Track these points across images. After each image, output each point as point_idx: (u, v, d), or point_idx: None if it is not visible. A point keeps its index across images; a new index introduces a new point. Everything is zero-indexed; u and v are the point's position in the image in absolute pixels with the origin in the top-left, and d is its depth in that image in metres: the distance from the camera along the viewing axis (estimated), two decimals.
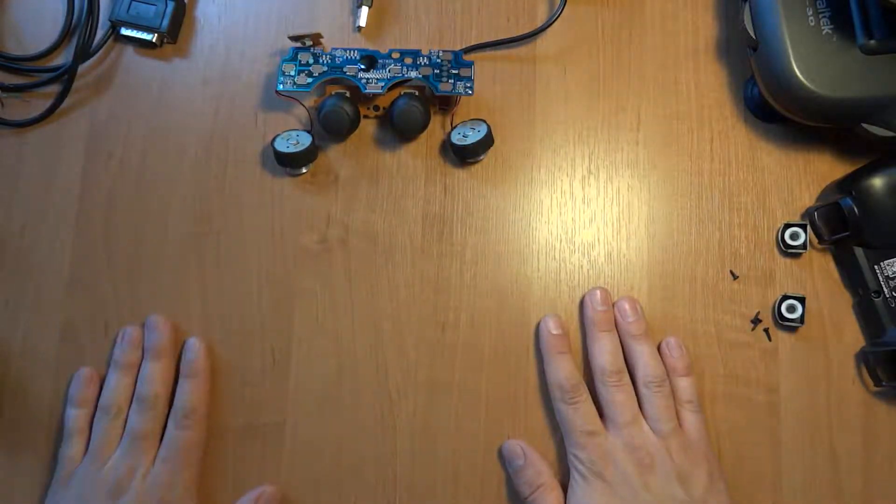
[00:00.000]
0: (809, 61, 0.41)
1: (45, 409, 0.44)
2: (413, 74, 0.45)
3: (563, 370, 0.43)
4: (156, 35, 0.47)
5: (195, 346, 0.44)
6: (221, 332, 0.45)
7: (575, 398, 0.42)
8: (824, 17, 0.41)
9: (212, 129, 0.47)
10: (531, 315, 0.45)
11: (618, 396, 0.41)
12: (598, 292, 0.44)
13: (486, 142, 0.45)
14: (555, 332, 0.43)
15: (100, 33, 0.48)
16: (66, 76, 0.47)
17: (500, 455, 0.43)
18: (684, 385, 0.42)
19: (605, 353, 0.42)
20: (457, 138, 0.45)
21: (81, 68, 0.47)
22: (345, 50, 0.46)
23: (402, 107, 0.44)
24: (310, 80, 0.45)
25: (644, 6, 0.48)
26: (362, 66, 0.45)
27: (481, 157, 0.46)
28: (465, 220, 0.46)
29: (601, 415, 0.42)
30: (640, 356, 0.42)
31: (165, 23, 0.47)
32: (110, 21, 0.48)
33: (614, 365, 0.42)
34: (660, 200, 0.46)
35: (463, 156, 0.46)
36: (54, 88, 0.47)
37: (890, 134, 0.41)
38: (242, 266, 0.46)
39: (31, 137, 0.47)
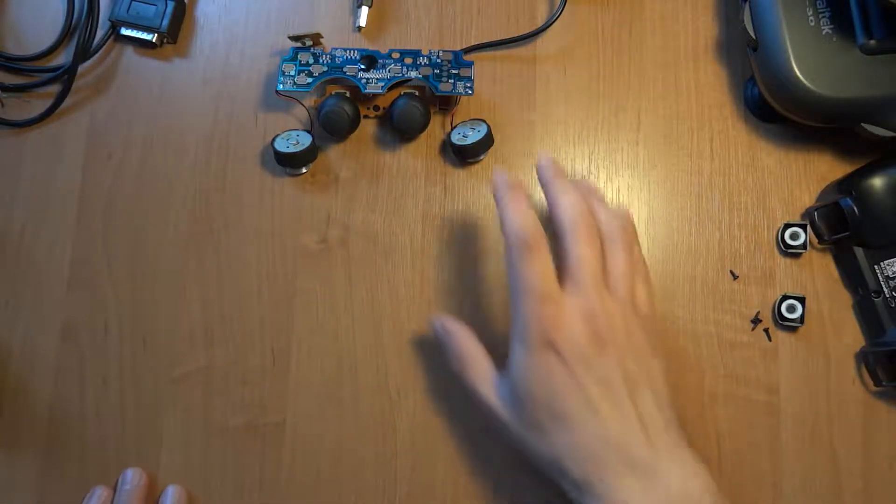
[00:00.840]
0: (809, 61, 0.41)
1: (45, 409, 0.44)
2: (413, 74, 0.45)
3: (522, 217, 0.36)
4: (156, 35, 0.47)
5: (176, 494, 0.42)
6: (221, 332, 0.45)
7: (534, 247, 0.36)
8: (824, 17, 0.41)
9: (212, 129, 0.47)
10: None
11: (585, 250, 0.36)
12: (548, 157, 0.39)
13: (486, 142, 0.45)
14: (508, 179, 0.38)
15: (100, 33, 0.48)
16: (66, 76, 0.47)
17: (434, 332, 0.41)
18: (637, 255, 0.39)
19: (573, 204, 0.37)
20: (457, 138, 0.45)
21: (81, 68, 0.47)
22: (345, 50, 0.46)
23: (402, 107, 0.44)
24: (310, 80, 0.45)
25: (644, 6, 0.48)
26: (362, 66, 0.45)
27: (481, 157, 0.46)
28: (465, 220, 0.46)
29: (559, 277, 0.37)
30: (601, 211, 0.39)
31: (165, 23, 0.47)
32: (110, 21, 0.48)
33: (584, 215, 0.37)
34: (660, 200, 0.46)
35: (463, 156, 0.46)
36: (54, 88, 0.47)
37: (890, 134, 0.41)
38: (242, 266, 0.46)
39: (31, 137, 0.47)
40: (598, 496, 0.34)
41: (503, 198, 0.37)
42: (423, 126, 0.45)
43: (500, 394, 0.37)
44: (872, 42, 0.40)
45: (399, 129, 0.45)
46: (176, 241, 0.46)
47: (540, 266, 0.36)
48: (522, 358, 0.36)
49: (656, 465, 0.34)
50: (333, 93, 0.46)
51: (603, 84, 0.47)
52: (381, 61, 0.45)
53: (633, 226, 0.41)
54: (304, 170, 0.46)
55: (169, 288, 0.45)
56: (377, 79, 0.45)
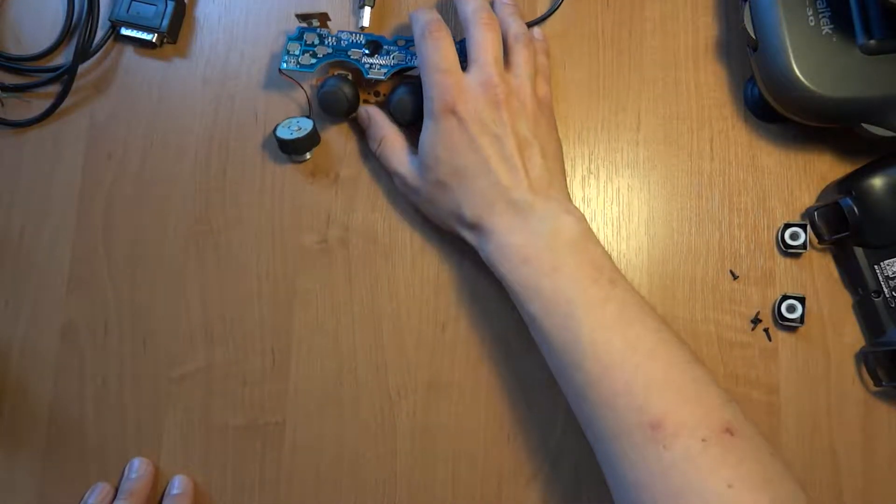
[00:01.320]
0: (809, 61, 0.41)
1: (44, 409, 0.44)
2: (416, 63, 0.45)
3: (427, 14, 0.42)
4: (156, 35, 0.47)
5: (183, 483, 0.43)
6: (221, 333, 0.45)
7: (435, 33, 0.41)
8: (824, 17, 0.41)
9: (212, 129, 0.47)
10: None
11: (487, 35, 0.41)
12: None
13: None
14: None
15: (100, 33, 0.48)
16: (66, 76, 0.47)
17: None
18: (543, 61, 0.44)
19: (476, 2, 0.42)
20: None
21: (81, 68, 0.47)
22: (350, 33, 0.46)
23: (400, 95, 0.44)
24: (314, 60, 0.45)
25: (644, 6, 0.48)
26: (367, 51, 0.45)
27: None
28: None
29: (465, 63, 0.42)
30: (511, 22, 0.43)
31: (165, 23, 0.47)
32: (110, 21, 0.48)
33: (486, 9, 0.42)
34: (660, 200, 0.46)
35: None
36: (54, 88, 0.47)
37: (890, 134, 0.41)
38: (242, 266, 0.46)
39: (31, 137, 0.47)
40: (486, 232, 0.40)
41: (414, 13, 0.43)
42: (421, 116, 0.45)
43: (412, 164, 0.44)
44: (872, 42, 0.40)
45: (396, 117, 0.45)
46: (176, 241, 0.46)
47: (442, 46, 0.41)
48: (429, 127, 0.41)
49: (534, 205, 0.40)
50: (335, 73, 0.46)
51: (603, 84, 0.47)
52: (385, 48, 0.45)
53: (545, 43, 0.46)
54: (307, 155, 0.46)
55: (169, 288, 0.45)
56: (381, 65, 0.45)
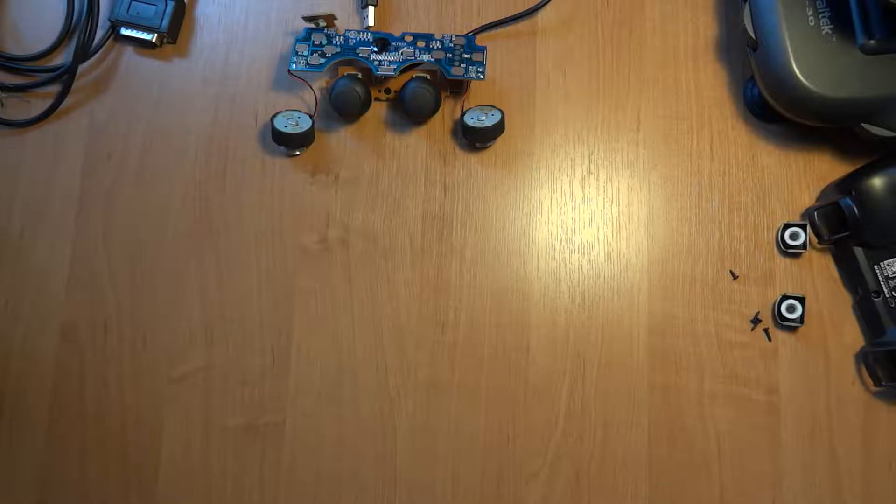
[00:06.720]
0: (809, 61, 0.41)
1: (44, 410, 0.44)
2: (426, 58, 0.45)
3: None
4: (156, 35, 0.47)
5: None
6: (221, 332, 0.45)
7: None
8: (824, 17, 0.41)
9: (212, 129, 0.47)
10: (531, 315, 0.45)
11: None
12: None
13: (499, 128, 0.45)
14: None
15: (100, 33, 0.48)
16: (66, 76, 0.47)
17: None
18: None
19: None
20: (471, 121, 0.45)
21: (81, 68, 0.47)
22: (358, 32, 0.46)
23: (413, 90, 0.44)
24: (322, 60, 0.45)
25: (644, 6, 0.48)
26: (375, 49, 0.45)
27: (489, 144, 0.46)
28: (465, 220, 0.46)
29: None
30: None
31: (165, 23, 0.47)
32: (110, 21, 0.48)
33: None
34: (660, 200, 0.46)
35: (474, 139, 0.45)
36: (54, 88, 0.47)
37: (890, 134, 0.41)
38: (242, 266, 0.46)
39: (31, 137, 0.47)
40: None
41: None
42: (434, 110, 0.45)
43: None
44: (872, 42, 0.40)
45: (410, 113, 0.45)
46: (176, 241, 0.46)
47: None
48: None
49: None
50: (345, 74, 0.46)
51: (603, 84, 0.47)
52: (393, 44, 0.45)
53: None
54: (297, 152, 0.46)
55: (169, 288, 0.45)
56: (389, 61, 0.45)
